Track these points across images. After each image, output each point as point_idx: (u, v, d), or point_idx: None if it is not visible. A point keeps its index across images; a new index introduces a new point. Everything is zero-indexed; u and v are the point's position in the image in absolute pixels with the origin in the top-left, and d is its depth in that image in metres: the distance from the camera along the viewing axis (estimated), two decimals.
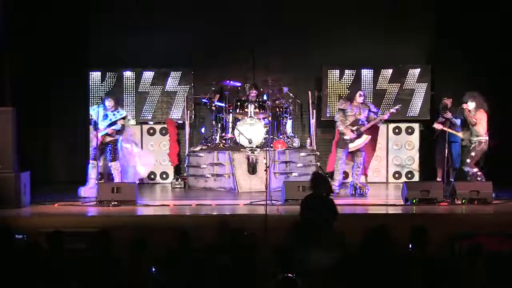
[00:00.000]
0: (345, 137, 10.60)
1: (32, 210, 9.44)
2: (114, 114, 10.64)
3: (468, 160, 10.26)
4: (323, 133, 13.19)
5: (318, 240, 6.42)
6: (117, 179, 10.59)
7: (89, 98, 12.48)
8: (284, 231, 6.65)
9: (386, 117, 10.90)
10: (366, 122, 10.63)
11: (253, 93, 11.97)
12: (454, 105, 11.16)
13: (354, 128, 10.54)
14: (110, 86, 12.80)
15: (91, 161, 10.59)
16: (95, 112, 10.60)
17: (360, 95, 10.67)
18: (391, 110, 11.03)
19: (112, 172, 10.64)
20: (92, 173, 10.57)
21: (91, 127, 10.85)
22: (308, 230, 6.72)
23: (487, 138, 10.25)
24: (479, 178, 10.19)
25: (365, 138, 10.64)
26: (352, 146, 10.62)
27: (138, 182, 10.82)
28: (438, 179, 11.30)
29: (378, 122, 10.86)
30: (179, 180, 12.09)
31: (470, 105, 10.24)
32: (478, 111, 10.26)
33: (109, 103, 10.62)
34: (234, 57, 12.92)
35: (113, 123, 10.57)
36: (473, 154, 10.24)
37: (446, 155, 10.17)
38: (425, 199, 9.64)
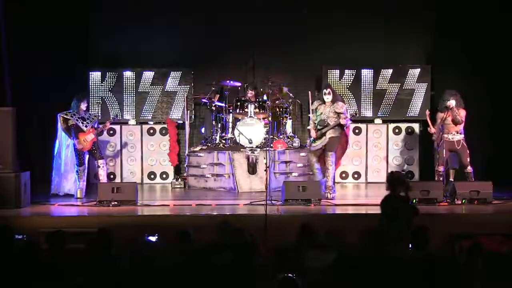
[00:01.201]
0: (309, 138, 10.55)
1: (32, 210, 9.43)
2: (89, 116, 10.69)
3: (468, 159, 10.27)
4: None
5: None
6: (103, 177, 10.61)
7: (89, 98, 12.48)
8: (292, 231, 6.64)
9: (344, 122, 10.40)
10: (331, 123, 10.34)
11: (250, 93, 11.96)
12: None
13: (319, 128, 10.37)
14: (110, 86, 12.81)
15: (79, 168, 10.57)
16: (70, 115, 10.54)
17: (325, 94, 10.44)
18: (348, 116, 10.61)
19: (100, 171, 10.63)
20: (83, 175, 10.62)
21: (60, 133, 10.71)
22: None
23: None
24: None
25: (324, 139, 10.36)
26: (313, 146, 10.48)
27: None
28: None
29: (336, 125, 10.38)
30: (179, 180, 12.09)
31: (451, 102, 10.28)
32: (460, 109, 10.29)
33: (85, 104, 10.65)
34: (234, 57, 12.92)
35: (94, 126, 10.65)
36: (468, 152, 10.26)
37: (444, 155, 10.17)
38: (425, 199, 9.63)
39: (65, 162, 10.75)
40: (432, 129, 10.48)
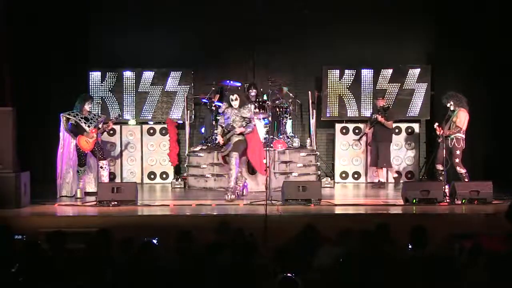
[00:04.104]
0: (218, 142, 10.30)
1: (32, 210, 9.42)
2: (93, 117, 10.67)
3: (457, 160, 10.23)
4: (323, 133, 13.22)
5: None
6: (105, 177, 10.62)
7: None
8: (291, 231, 6.64)
9: (243, 130, 10.05)
10: (237, 127, 10.03)
11: (253, 92, 11.97)
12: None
13: (227, 133, 10.09)
14: (110, 86, 12.81)
15: (80, 168, 10.57)
16: (73, 115, 10.54)
17: (232, 100, 10.08)
18: (257, 122, 10.57)
19: (102, 172, 10.62)
20: (83, 176, 10.63)
21: (61, 133, 10.63)
22: None
23: (464, 136, 10.30)
24: (466, 180, 10.25)
25: (229, 144, 10.09)
26: (221, 152, 10.35)
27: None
28: (382, 179, 11.77)
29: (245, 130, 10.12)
30: (179, 180, 12.09)
31: (450, 105, 10.30)
32: (461, 111, 10.27)
33: (89, 105, 10.63)
34: (234, 57, 12.95)
35: (97, 126, 10.61)
36: (457, 152, 10.23)
37: (444, 155, 10.15)
38: (425, 199, 9.63)
39: (65, 161, 10.71)
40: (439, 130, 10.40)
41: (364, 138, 12.43)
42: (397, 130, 12.77)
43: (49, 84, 12.03)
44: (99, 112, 12.17)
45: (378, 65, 12.85)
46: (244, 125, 10.07)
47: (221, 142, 10.18)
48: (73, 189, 10.65)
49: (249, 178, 11.39)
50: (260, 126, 11.55)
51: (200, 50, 12.94)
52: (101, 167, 10.62)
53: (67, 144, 10.66)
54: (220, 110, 10.35)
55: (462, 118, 10.25)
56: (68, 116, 10.54)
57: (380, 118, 11.59)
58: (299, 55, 12.99)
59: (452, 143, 10.23)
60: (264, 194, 9.32)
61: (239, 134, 10.04)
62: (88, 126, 10.50)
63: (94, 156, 10.62)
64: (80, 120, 10.49)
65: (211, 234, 6.60)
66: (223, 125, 10.18)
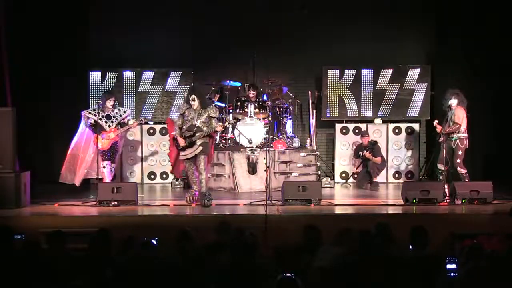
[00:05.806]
0: (177, 144, 9.80)
1: (32, 210, 9.43)
2: (116, 113, 10.66)
3: (458, 160, 10.20)
4: (323, 133, 13.22)
5: None
6: (107, 177, 10.62)
7: (89, 98, 12.51)
8: (291, 231, 6.65)
9: (221, 128, 9.98)
10: (204, 128, 9.61)
11: (252, 93, 11.97)
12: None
13: (188, 135, 9.64)
14: (110, 86, 12.80)
15: (105, 163, 10.55)
16: (93, 114, 10.55)
17: (194, 99, 9.66)
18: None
19: (103, 169, 10.60)
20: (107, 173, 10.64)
21: (82, 124, 10.69)
22: None
23: (466, 135, 10.23)
24: (466, 180, 10.21)
25: (195, 147, 9.62)
26: (182, 155, 9.72)
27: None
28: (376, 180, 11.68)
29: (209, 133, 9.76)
30: (179, 180, 12.09)
31: (452, 102, 10.26)
32: (458, 108, 10.24)
33: (111, 102, 10.64)
34: (234, 57, 12.94)
35: (122, 123, 10.66)
36: (460, 153, 10.18)
37: (445, 155, 10.15)
38: (425, 199, 9.63)
39: (78, 154, 10.70)
40: (439, 128, 10.33)
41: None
42: (397, 130, 12.78)
43: (49, 84, 12.02)
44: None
45: (378, 65, 12.85)
46: (221, 124, 9.92)
47: (182, 143, 9.68)
48: (79, 178, 10.66)
49: (249, 178, 11.42)
50: (260, 126, 11.57)
51: (200, 50, 12.94)
52: (104, 166, 10.64)
53: (88, 136, 10.63)
54: (180, 111, 9.91)
55: (460, 114, 10.22)
56: (88, 114, 10.55)
57: (367, 154, 11.61)
58: (299, 55, 13.00)
59: (456, 144, 10.17)
60: (264, 194, 9.33)
61: (204, 137, 9.62)
62: (109, 126, 10.51)
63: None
64: (101, 119, 10.49)
65: (211, 234, 6.61)
66: (184, 127, 9.72)
